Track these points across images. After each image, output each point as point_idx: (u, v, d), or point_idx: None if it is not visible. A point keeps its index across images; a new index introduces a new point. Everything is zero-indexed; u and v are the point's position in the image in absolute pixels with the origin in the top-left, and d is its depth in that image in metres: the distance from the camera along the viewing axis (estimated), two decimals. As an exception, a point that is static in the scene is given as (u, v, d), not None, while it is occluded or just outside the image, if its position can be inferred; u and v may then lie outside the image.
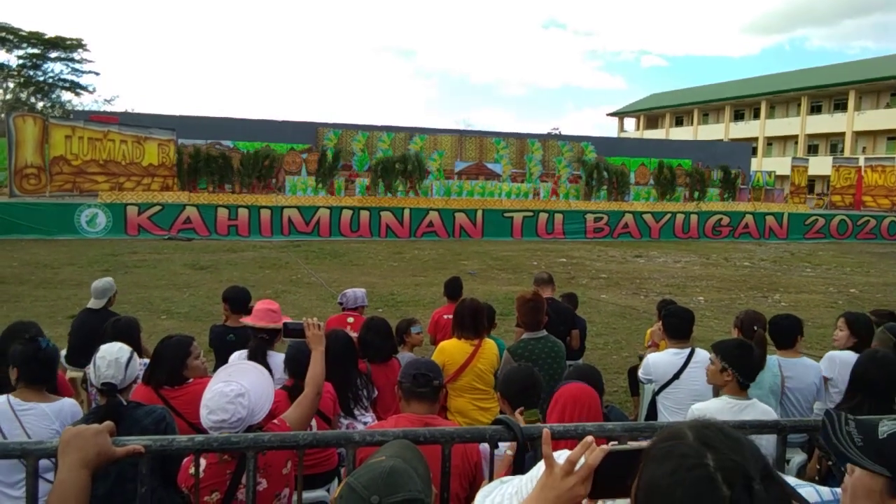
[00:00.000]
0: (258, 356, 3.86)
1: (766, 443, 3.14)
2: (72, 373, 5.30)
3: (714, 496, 0.89)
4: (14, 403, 3.05)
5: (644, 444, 1.07)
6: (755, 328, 4.36)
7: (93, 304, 5.63)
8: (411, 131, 32.92)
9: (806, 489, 1.61)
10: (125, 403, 2.78)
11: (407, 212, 22.18)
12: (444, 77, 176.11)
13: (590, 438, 1.17)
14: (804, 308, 11.25)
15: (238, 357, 4.11)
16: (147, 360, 4.18)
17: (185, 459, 2.60)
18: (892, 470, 1.33)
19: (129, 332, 4.21)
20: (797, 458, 4.22)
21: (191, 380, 3.65)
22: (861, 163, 34.06)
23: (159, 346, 3.66)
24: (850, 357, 4.35)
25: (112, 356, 2.84)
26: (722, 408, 3.31)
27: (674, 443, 0.97)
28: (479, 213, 22.87)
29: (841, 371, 4.34)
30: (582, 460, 1.15)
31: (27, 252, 15.60)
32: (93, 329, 5.20)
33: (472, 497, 2.72)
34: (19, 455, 1.70)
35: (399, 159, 26.51)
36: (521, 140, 34.11)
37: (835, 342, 4.65)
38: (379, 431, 1.96)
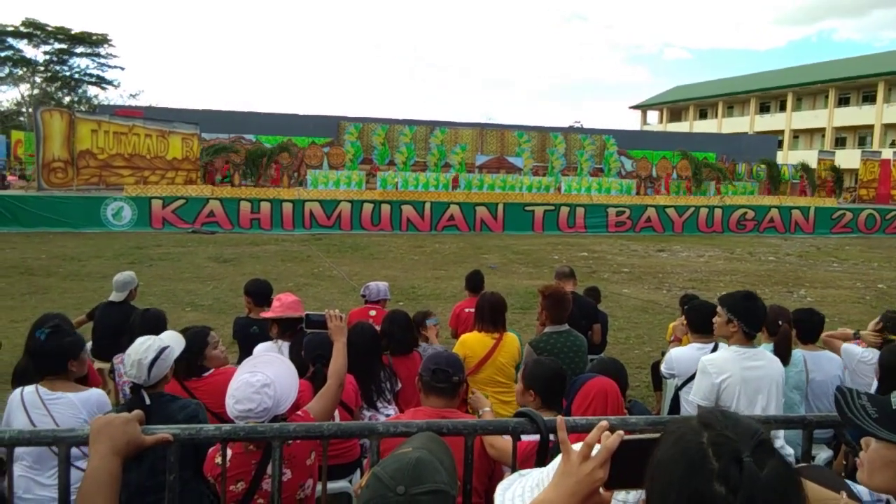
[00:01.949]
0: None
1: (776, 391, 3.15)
2: (99, 364, 5.38)
3: (704, 469, 0.96)
4: (42, 392, 3.11)
5: (658, 434, 1.11)
6: (780, 323, 4.31)
7: (114, 297, 5.69)
8: (432, 125, 32.88)
9: (859, 488, 1.60)
10: (147, 402, 2.79)
11: (428, 205, 22.20)
12: (466, 70, 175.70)
13: (604, 423, 1.21)
14: (831, 303, 11.10)
15: (265, 349, 4.15)
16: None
17: (211, 449, 2.64)
18: None
19: (156, 325, 4.26)
20: (823, 454, 4.18)
21: (211, 370, 3.69)
22: (889, 155, 33.40)
23: None
24: (863, 351, 4.32)
25: (137, 356, 2.83)
26: (730, 357, 3.41)
27: (679, 425, 1.05)
28: (500, 207, 22.81)
29: (858, 365, 4.32)
30: (597, 446, 1.18)
31: (55, 245, 15.88)
32: (115, 322, 5.27)
33: (492, 490, 2.73)
34: (51, 442, 1.74)
35: (269, 151, 26.35)
36: (542, 133, 33.90)
37: None
38: (402, 423, 1.97)
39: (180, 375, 3.54)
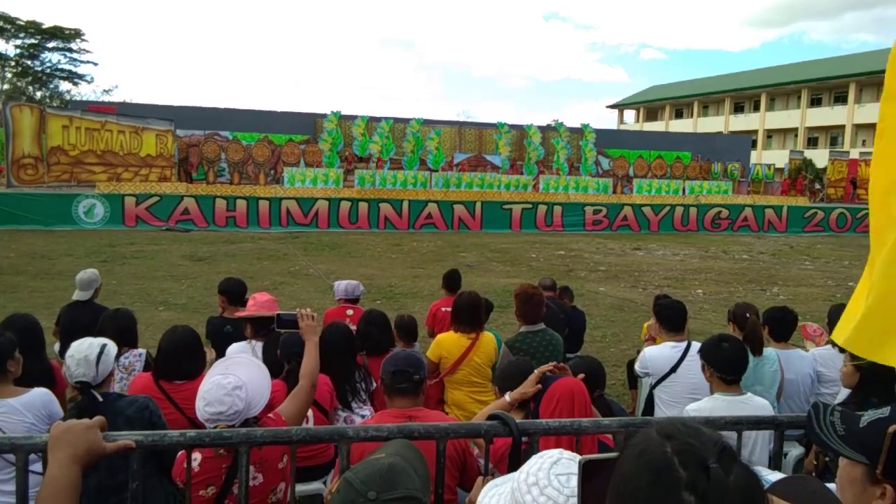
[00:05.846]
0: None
1: (762, 439, 3.14)
2: (67, 365, 5.27)
3: (670, 478, 0.93)
4: None
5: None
6: (748, 315, 4.37)
7: (79, 295, 5.52)
8: (408, 121, 32.71)
9: None
10: (100, 399, 2.74)
11: (406, 204, 22.15)
12: (446, 69, 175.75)
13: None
14: (802, 301, 11.25)
15: (237, 349, 4.10)
16: (142, 351, 4.18)
17: (181, 453, 2.59)
18: (869, 457, 1.32)
19: (128, 325, 4.19)
20: (794, 451, 4.23)
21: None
22: (855, 156, 34.17)
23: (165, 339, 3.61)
24: (827, 351, 4.39)
25: (81, 354, 2.79)
26: (713, 406, 3.27)
27: (640, 438, 1.03)
28: (478, 206, 22.83)
29: (821, 365, 4.40)
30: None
31: (24, 243, 15.57)
32: (84, 321, 5.13)
33: (463, 483, 2.71)
34: (9, 449, 1.69)
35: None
36: (520, 132, 33.93)
37: None
38: (373, 427, 1.94)
39: (159, 377, 3.48)
